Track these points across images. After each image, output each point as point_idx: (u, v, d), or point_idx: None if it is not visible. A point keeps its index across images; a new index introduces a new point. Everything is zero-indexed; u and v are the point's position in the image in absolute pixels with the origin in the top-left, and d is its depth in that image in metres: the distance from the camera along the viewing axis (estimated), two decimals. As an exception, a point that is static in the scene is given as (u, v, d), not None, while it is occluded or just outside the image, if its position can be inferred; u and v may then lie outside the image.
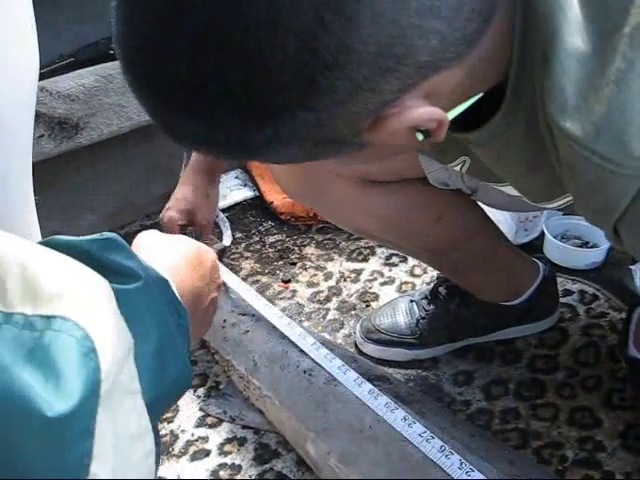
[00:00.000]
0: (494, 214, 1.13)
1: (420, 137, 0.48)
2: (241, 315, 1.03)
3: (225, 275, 1.07)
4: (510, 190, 0.70)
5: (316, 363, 0.90)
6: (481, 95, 0.52)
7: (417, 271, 1.23)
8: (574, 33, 0.44)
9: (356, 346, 1.10)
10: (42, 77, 1.18)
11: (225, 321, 1.03)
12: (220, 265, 1.01)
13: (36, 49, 0.65)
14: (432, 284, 1.08)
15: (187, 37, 0.40)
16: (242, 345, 0.99)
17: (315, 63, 0.40)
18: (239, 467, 0.93)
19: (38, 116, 1.12)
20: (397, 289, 1.20)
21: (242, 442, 0.97)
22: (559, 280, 1.12)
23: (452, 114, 0.50)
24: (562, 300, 1.11)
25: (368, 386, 0.85)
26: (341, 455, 0.82)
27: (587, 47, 0.44)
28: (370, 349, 1.07)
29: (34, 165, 1.16)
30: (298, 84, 0.41)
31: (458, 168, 0.71)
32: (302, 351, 0.93)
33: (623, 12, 0.43)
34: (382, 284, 1.21)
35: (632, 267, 1.15)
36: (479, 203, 0.95)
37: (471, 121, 0.56)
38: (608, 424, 0.93)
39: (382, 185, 0.87)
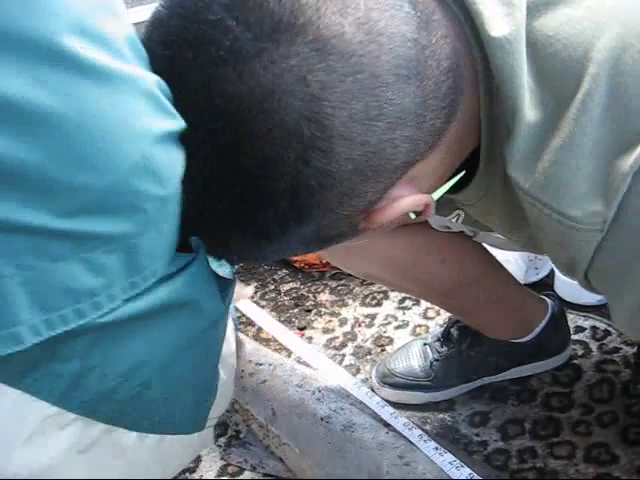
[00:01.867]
0: (503, 254, 1.16)
1: (412, 216, 0.53)
2: (258, 365, 1.05)
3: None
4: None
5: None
6: (462, 170, 0.57)
7: (430, 313, 1.25)
8: (533, 106, 0.49)
9: (372, 391, 1.12)
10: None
11: (243, 371, 1.06)
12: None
13: None
14: (444, 326, 1.10)
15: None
16: (260, 394, 1.02)
17: (301, 191, 0.46)
18: (262, 515, 0.95)
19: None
20: (411, 332, 1.22)
21: (264, 490, 0.99)
22: (571, 317, 1.14)
23: (437, 194, 0.54)
24: (574, 337, 1.13)
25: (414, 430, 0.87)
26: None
27: (544, 114, 0.49)
28: (386, 393, 1.09)
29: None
30: (290, 212, 0.47)
31: (454, 220, 0.74)
32: (319, 399, 0.95)
33: (577, 80, 0.47)
34: (396, 328, 1.24)
35: None
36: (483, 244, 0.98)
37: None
38: (625, 460, 0.94)
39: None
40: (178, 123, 0.44)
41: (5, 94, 0.37)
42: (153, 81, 0.43)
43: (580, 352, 1.11)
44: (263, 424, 1.00)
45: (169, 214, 0.45)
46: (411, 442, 0.83)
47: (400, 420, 0.86)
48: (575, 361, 1.10)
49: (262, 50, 0.42)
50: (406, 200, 0.50)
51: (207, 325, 0.51)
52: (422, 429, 1.00)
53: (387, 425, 0.87)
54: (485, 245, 0.98)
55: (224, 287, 0.53)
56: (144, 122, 0.42)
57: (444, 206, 0.73)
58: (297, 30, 0.42)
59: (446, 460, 0.79)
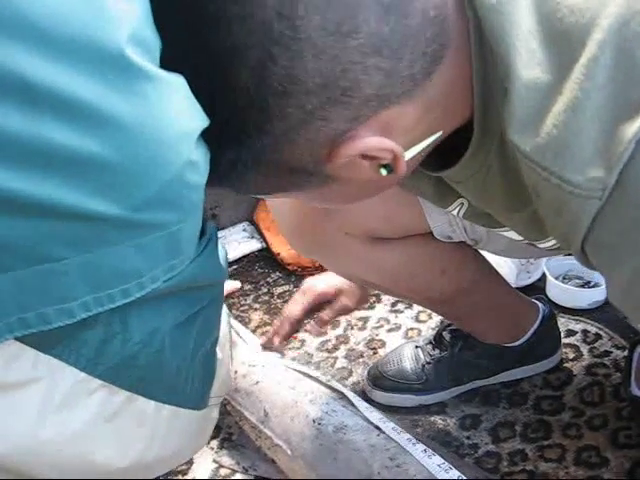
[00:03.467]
0: (495, 257, 1.16)
1: (384, 172, 0.52)
2: (251, 366, 1.06)
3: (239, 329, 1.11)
4: (512, 234, 0.73)
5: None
6: (442, 134, 0.55)
7: (422, 317, 1.25)
8: (530, 66, 0.48)
9: (364, 393, 1.12)
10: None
11: (236, 372, 1.06)
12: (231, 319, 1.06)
13: None
14: (436, 329, 1.11)
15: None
16: (253, 396, 1.02)
17: (266, 90, 0.46)
18: (253, 517, 0.95)
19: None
20: (403, 335, 1.23)
21: (255, 492, 0.99)
22: (562, 320, 1.15)
23: (412, 152, 0.53)
24: (565, 340, 1.13)
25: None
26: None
27: (544, 77, 0.48)
28: (378, 396, 1.10)
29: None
30: (253, 109, 0.47)
31: (456, 212, 0.74)
32: (312, 401, 0.95)
33: (582, 45, 0.47)
34: (389, 331, 1.24)
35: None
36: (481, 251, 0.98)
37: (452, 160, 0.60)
38: (615, 463, 0.95)
39: (388, 241, 0.90)
40: (206, 119, 0.47)
41: (79, 95, 0.41)
42: (184, 82, 0.46)
43: (571, 355, 1.12)
44: (255, 425, 1.00)
45: (201, 200, 0.50)
46: (401, 445, 0.83)
47: (389, 425, 0.86)
48: (566, 364, 1.11)
49: None
50: (369, 139, 0.49)
51: (210, 299, 0.56)
52: (413, 432, 1.01)
53: (378, 427, 0.87)
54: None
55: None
56: (189, 121, 0.46)
57: (447, 195, 0.72)
58: None
59: (435, 462, 0.79)
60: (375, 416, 0.88)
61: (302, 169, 0.52)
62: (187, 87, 0.46)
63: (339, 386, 0.95)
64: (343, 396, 0.95)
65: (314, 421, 0.93)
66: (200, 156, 0.47)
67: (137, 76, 0.43)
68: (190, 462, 1.04)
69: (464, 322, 1.04)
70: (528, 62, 0.48)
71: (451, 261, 0.93)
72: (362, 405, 0.90)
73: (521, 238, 0.71)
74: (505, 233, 0.74)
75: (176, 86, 0.45)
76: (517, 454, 0.98)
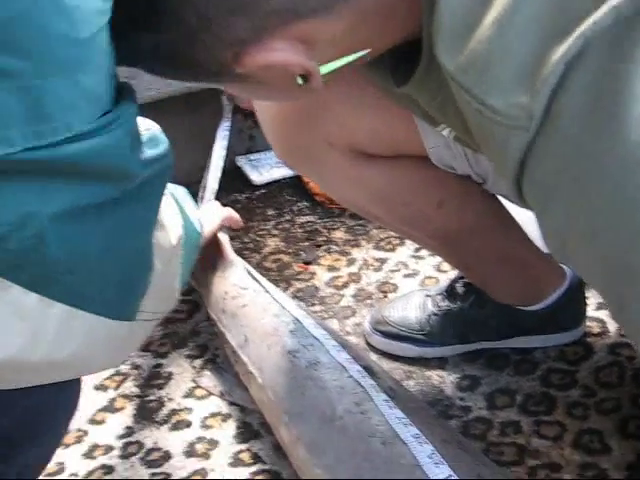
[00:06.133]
0: (527, 213, 1.05)
1: (300, 81, 0.49)
2: (242, 289, 0.99)
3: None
4: None
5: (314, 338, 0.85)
6: (371, 51, 0.51)
7: (445, 266, 1.16)
8: None
9: (364, 337, 1.05)
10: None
11: (227, 293, 1.00)
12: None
13: None
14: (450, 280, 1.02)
15: None
16: (237, 319, 0.96)
17: None
18: (216, 443, 0.90)
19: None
20: (419, 283, 1.14)
21: (226, 418, 0.94)
22: (592, 292, 1.03)
23: (328, 67, 0.50)
24: (593, 314, 1.02)
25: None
26: (310, 443, 0.78)
27: None
28: (376, 341, 1.02)
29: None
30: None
31: (446, 133, 0.65)
32: (292, 331, 0.89)
33: None
34: (405, 276, 1.15)
35: None
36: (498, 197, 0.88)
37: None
38: (617, 452, 0.84)
39: (374, 159, 0.81)
40: None
41: None
42: None
43: (596, 330, 1.01)
44: (235, 350, 0.94)
45: (87, 64, 0.43)
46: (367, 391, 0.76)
47: (354, 367, 0.78)
48: (587, 339, 0.99)
49: None
50: (281, 53, 0.47)
51: (124, 196, 0.48)
52: (405, 383, 0.94)
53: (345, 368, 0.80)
54: (502, 200, 0.89)
55: (156, 160, 0.51)
56: None
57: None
58: None
59: (394, 415, 0.71)
60: (343, 356, 0.81)
61: (209, 68, 0.51)
62: None
63: (307, 322, 0.88)
64: (327, 330, 0.88)
65: (289, 352, 0.86)
66: (77, 7, 0.40)
67: None
68: (168, 378, 1.01)
69: (471, 272, 0.94)
70: None
71: (451, 193, 0.83)
72: (329, 343, 0.82)
73: None
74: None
75: None
76: (511, 425, 0.89)
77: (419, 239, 0.95)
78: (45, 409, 0.59)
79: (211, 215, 1.03)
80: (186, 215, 0.70)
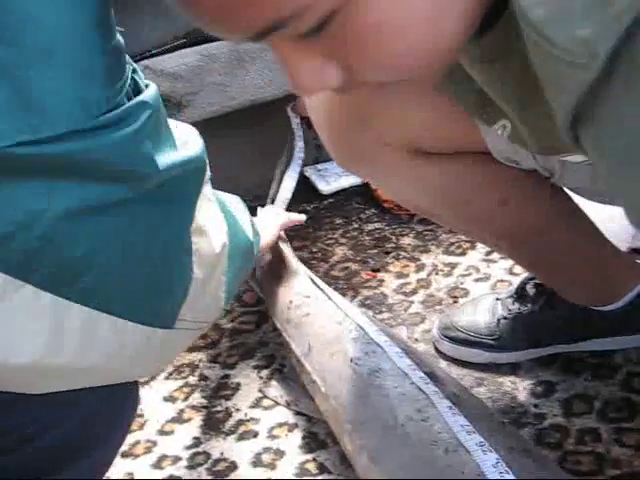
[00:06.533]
0: (608, 210, 1.00)
1: None
2: (306, 297, 0.99)
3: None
4: (572, 158, 0.60)
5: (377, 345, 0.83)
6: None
7: (518, 269, 1.11)
8: None
9: (433, 343, 1.02)
10: (153, 57, 1.21)
11: (291, 302, 1.00)
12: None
13: None
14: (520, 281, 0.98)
15: None
16: (301, 328, 0.95)
17: None
18: (282, 453, 0.89)
19: (142, 93, 1.16)
20: (491, 287, 1.10)
21: (292, 428, 0.93)
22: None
23: None
24: (678, 313, 0.95)
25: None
26: (373, 452, 0.76)
27: None
28: (445, 347, 0.99)
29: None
30: None
31: (500, 133, 0.62)
32: (354, 339, 0.87)
33: None
34: (476, 280, 1.12)
35: None
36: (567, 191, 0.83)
37: None
38: None
39: (433, 157, 0.78)
40: None
41: None
42: None
43: (682, 332, 0.94)
44: (299, 359, 0.93)
45: (68, 51, 0.41)
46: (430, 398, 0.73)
47: (418, 373, 0.76)
48: (673, 341, 0.93)
49: None
50: None
51: (135, 195, 0.46)
52: (475, 391, 0.90)
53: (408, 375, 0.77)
54: (572, 194, 0.85)
55: (184, 163, 0.50)
56: None
57: (488, 107, 0.60)
58: None
59: (458, 422, 0.68)
60: (405, 362, 0.78)
61: None
62: None
63: (370, 329, 0.85)
64: (389, 336, 0.86)
65: (351, 360, 0.84)
66: None
67: None
68: (235, 388, 1.00)
69: (543, 273, 0.90)
70: None
71: (515, 190, 0.79)
72: (392, 350, 0.80)
73: (577, 159, 0.57)
74: (564, 158, 0.61)
75: None
76: (589, 433, 0.84)
77: (485, 240, 0.92)
78: (97, 421, 0.58)
79: (270, 223, 1.02)
80: (235, 222, 0.69)
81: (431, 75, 0.49)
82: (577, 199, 0.86)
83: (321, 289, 0.98)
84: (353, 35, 0.42)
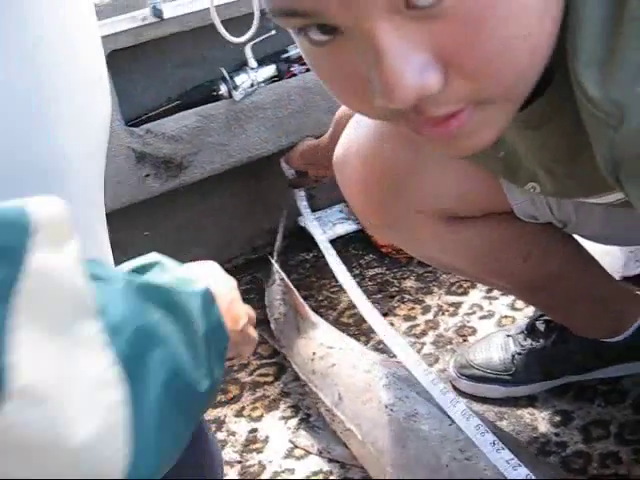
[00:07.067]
0: (597, 246, 1.07)
1: None
2: (329, 348, 1.03)
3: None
4: (594, 199, 0.65)
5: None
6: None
7: (519, 304, 1.18)
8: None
9: (450, 382, 1.07)
10: (150, 120, 1.26)
11: (314, 354, 1.04)
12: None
13: (108, 102, 0.67)
14: (530, 318, 1.04)
15: None
16: (328, 378, 0.99)
17: None
18: (323, 501, 0.93)
19: (144, 156, 1.19)
20: (496, 323, 1.16)
21: (327, 475, 0.96)
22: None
23: None
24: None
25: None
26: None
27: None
28: (463, 385, 1.04)
29: (142, 203, 1.24)
30: None
31: (532, 191, 0.68)
32: (386, 385, 0.92)
33: None
34: (481, 318, 1.18)
35: None
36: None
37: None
38: None
39: (466, 221, 0.84)
40: None
41: None
42: None
43: (681, 353, 1.01)
44: (330, 408, 0.97)
45: None
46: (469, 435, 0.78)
47: (459, 407, 0.81)
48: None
49: None
50: None
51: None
52: (497, 425, 0.95)
53: (447, 414, 0.82)
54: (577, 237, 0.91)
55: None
56: None
57: (516, 170, 0.66)
58: None
59: (503, 457, 0.73)
60: (449, 397, 0.83)
61: None
62: None
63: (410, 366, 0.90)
64: (417, 382, 0.91)
65: (386, 407, 0.89)
66: None
67: None
68: (265, 440, 1.04)
69: (556, 313, 0.96)
70: None
71: (537, 244, 0.85)
72: (435, 389, 0.85)
73: (602, 201, 0.63)
74: (586, 200, 0.67)
75: None
76: (610, 456, 0.90)
77: (505, 288, 0.98)
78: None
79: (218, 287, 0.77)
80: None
81: (518, 95, 0.46)
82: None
83: (342, 339, 1.03)
84: (466, 11, 0.39)
